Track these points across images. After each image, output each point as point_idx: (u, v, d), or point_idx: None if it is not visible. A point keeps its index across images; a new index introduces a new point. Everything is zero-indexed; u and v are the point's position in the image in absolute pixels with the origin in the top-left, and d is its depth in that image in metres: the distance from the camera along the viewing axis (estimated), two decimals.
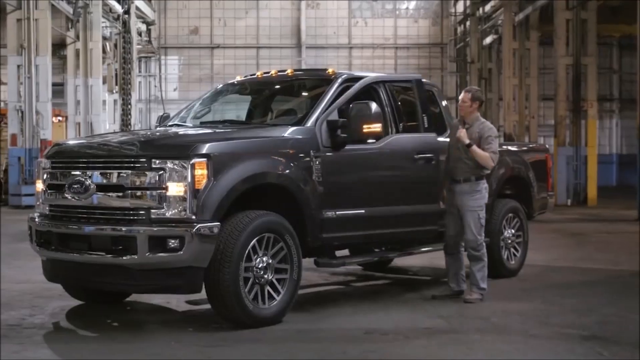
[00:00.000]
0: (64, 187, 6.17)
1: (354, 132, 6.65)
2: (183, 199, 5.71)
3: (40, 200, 6.54)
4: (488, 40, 29.01)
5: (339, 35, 33.28)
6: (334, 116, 6.84)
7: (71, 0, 22.13)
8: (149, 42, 31.62)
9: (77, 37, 23.49)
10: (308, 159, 6.52)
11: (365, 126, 6.62)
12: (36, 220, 6.47)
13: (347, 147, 6.81)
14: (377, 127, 6.68)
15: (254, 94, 8.26)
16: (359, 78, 7.37)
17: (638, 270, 9.11)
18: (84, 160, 6.24)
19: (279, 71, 7.92)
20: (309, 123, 6.72)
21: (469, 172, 7.15)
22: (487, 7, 28.58)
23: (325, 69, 7.63)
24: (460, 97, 7.43)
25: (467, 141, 7.08)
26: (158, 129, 7.74)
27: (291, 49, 33.15)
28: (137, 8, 27.55)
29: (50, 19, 20.13)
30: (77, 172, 6.11)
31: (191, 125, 7.63)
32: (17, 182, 19.20)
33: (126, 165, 5.93)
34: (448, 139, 7.59)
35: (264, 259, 6.07)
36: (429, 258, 9.22)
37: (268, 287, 6.11)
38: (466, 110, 7.28)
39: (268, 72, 8.03)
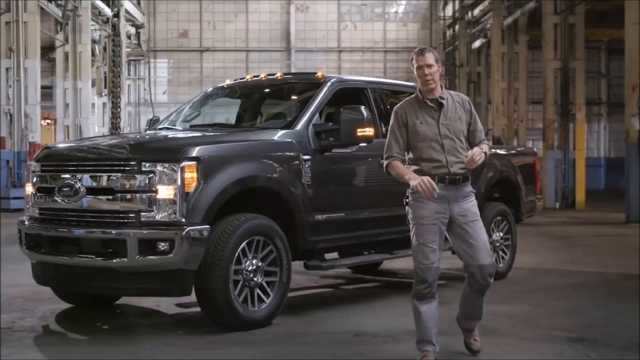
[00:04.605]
0: (53, 190, 6.17)
1: (346, 136, 6.65)
2: (173, 202, 5.71)
3: (30, 204, 6.52)
4: (477, 44, 29.14)
5: (329, 39, 33.32)
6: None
7: (60, 3, 22.07)
8: (139, 45, 31.55)
9: (66, 40, 23.41)
10: (297, 162, 6.55)
11: (358, 130, 6.63)
12: (26, 223, 6.46)
13: (337, 150, 6.84)
14: (369, 131, 6.69)
15: (243, 97, 8.27)
16: (348, 81, 7.39)
17: (626, 273, 9.17)
18: (74, 163, 6.24)
19: (269, 75, 7.92)
20: (299, 126, 6.75)
21: (466, 169, 5.14)
22: (476, 11, 28.70)
23: (315, 73, 7.64)
24: (419, 62, 5.04)
25: (485, 151, 5.13)
26: (148, 132, 7.74)
27: (280, 52, 33.16)
28: (127, 11, 27.52)
29: (39, 22, 20.11)
30: (67, 175, 6.12)
31: (181, 128, 7.64)
32: (6, 185, 19.16)
33: (116, 168, 5.93)
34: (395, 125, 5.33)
35: (254, 261, 6.07)
36: None
37: (258, 290, 6.12)
38: (437, 77, 5.11)
39: (257, 76, 8.04)
